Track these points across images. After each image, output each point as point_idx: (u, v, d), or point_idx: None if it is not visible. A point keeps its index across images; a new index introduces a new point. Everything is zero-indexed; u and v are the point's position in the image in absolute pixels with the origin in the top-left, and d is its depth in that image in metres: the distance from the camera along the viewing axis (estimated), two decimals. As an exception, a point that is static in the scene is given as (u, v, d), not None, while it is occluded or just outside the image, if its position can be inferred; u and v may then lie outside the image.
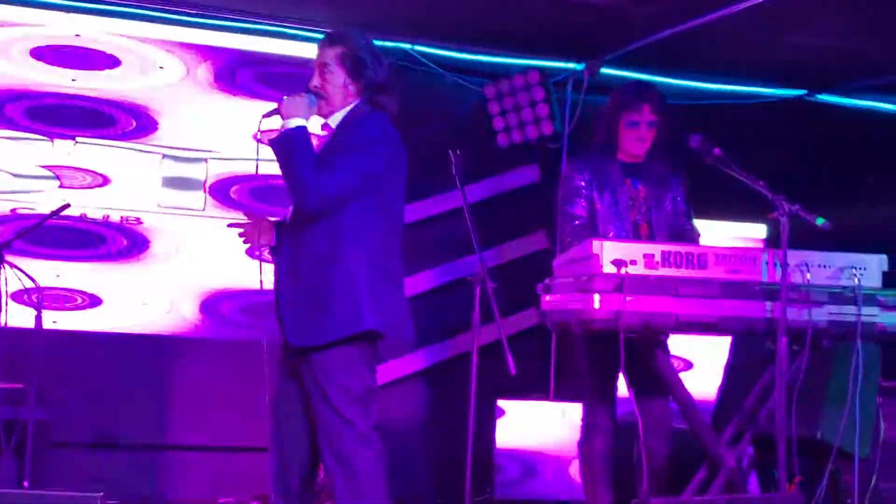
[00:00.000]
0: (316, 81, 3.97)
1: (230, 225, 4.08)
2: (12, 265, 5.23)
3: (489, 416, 5.89)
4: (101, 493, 3.78)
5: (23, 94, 6.29)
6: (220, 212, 6.53)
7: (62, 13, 6.34)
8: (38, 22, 6.33)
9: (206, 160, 6.59)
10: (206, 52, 6.62)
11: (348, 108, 3.97)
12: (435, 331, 6.91)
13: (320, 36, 4.28)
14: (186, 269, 6.50)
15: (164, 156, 6.53)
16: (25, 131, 6.32)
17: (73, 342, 6.16)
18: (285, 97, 3.86)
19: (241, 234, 4.03)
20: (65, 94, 6.36)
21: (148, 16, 6.48)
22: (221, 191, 6.63)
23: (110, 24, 6.44)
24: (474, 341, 4.68)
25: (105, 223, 6.38)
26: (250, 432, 6.40)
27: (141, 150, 6.48)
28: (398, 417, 6.91)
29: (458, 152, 4.92)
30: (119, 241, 6.43)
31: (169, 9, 6.49)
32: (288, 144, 3.78)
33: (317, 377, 3.79)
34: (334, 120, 3.98)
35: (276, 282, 3.89)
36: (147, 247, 6.48)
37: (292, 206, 3.88)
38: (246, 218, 4.06)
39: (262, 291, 3.97)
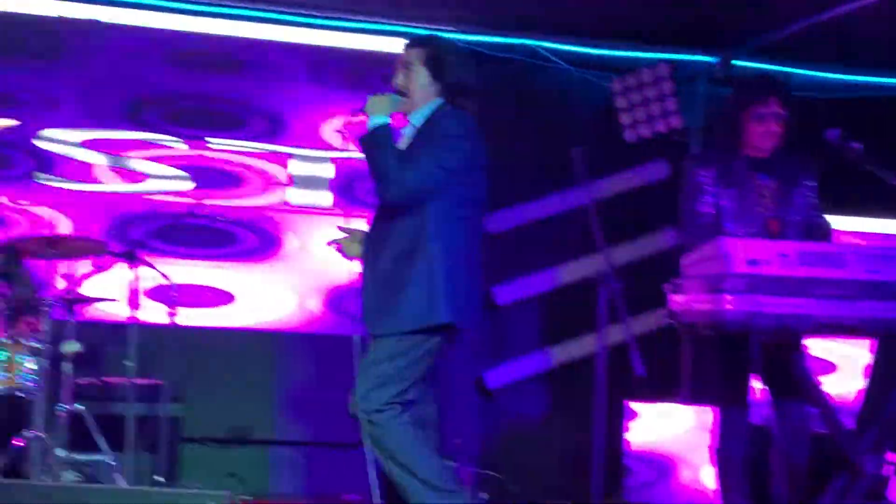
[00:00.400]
0: (400, 80, 4.07)
1: (329, 243, 4.22)
2: (148, 263, 5.36)
3: (618, 417, 5.79)
4: (229, 491, 3.81)
5: (160, 99, 6.46)
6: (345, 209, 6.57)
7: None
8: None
9: (331, 160, 6.67)
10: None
11: (430, 107, 4.06)
12: (561, 331, 6.85)
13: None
14: (314, 266, 6.57)
15: (292, 156, 6.62)
16: (161, 133, 6.48)
17: (205, 339, 6.29)
18: (370, 96, 4.00)
19: (338, 249, 4.17)
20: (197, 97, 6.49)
21: (275, 19, 6.57)
22: (347, 189, 6.69)
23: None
24: (600, 342, 4.59)
25: (237, 222, 6.49)
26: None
27: (271, 151, 6.58)
28: (526, 417, 6.89)
29: (583, 148, 4.84)
30: (250, 240, 6.54)
31: (285, 11, 6.57)
32: (372, 140, 3.93)
33: (384, 359, 3.88)
34: (416, 118, 4.08)
35: (361, 277, 4.03)
36: (277, 245, 6.58)
37: (378, 198, 3.99)
38: (342, 233, 4.19)
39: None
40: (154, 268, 5.35)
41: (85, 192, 6.37)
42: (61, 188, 6.33)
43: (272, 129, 6.59)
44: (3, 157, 6.27)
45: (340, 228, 4.20)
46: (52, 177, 6.34)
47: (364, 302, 3.96)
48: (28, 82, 6.31)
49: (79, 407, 5.27)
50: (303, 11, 6.62)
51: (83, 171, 6.39)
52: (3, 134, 6.26)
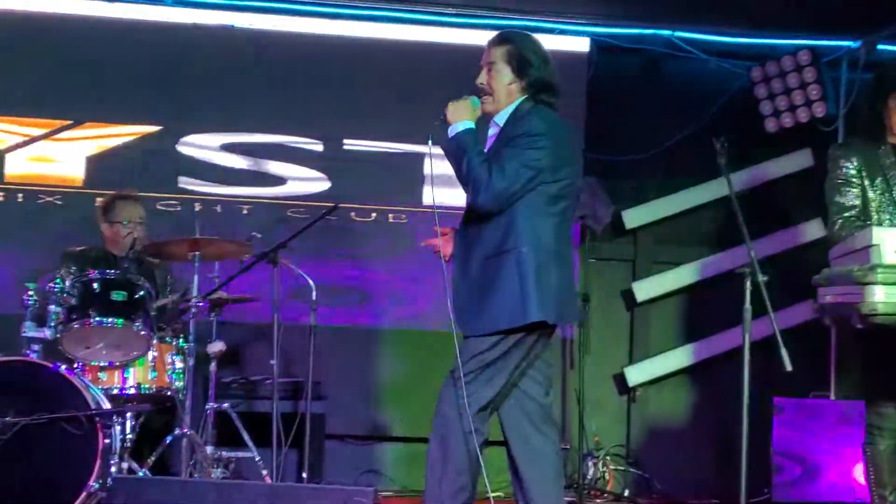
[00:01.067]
0: (482, 79, 4.06)
1: (424, 244, 4.23)
2: (288, 264, 5.44)
3: (765, 413, 5.64)
4: (374, 487, 3.84)
5: (296, 102, 6.56)
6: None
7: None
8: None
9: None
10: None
11: (514, 105, 4.05)
12: (704, 325, 6.73)
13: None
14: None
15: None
16: (298, 135, 6.59)
17: (346, 336, 6.36)
18: (450, 102, 3.99)
19: (433, 250, 4.16)
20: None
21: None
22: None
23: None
24: (745, 336, 4.47)
25: (371, 222, 6.55)
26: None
27: (403, 152, 6.62)
28: (670, 413, 6.79)
29: (722, 139, 4.72)
30: (383, 239, 6.59)
31: (401, 7, 6.62)
32: (457, 146, 3.93)
33: (473, 359, 3.92)
34: (501, 117, 4.06)
35: (451, 278, 4.02)
36: (409, 244, 6.61)
37: (467, 203, 3.98)
38: (439, 233, 4.18)
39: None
40: (294, 268, 5.42)
41: (226, 194, 6.51)
42: (203, 192, 6.48)
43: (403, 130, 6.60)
44: (147, 163, 6.44)
45: (435, 230, 4.18)
46: (194, 181, 6.50)
47: (456, 303, 3.98)
48: (167, 89, 6.47)
49: (225, 405, 5.38)
50: (432, 9, 6.64)
51: (224, 175, 6.52)
52: (146, 140, 6.45)
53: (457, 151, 3.93)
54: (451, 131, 3.97)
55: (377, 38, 6.64)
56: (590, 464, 6.46)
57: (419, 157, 6.55)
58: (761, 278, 4.42)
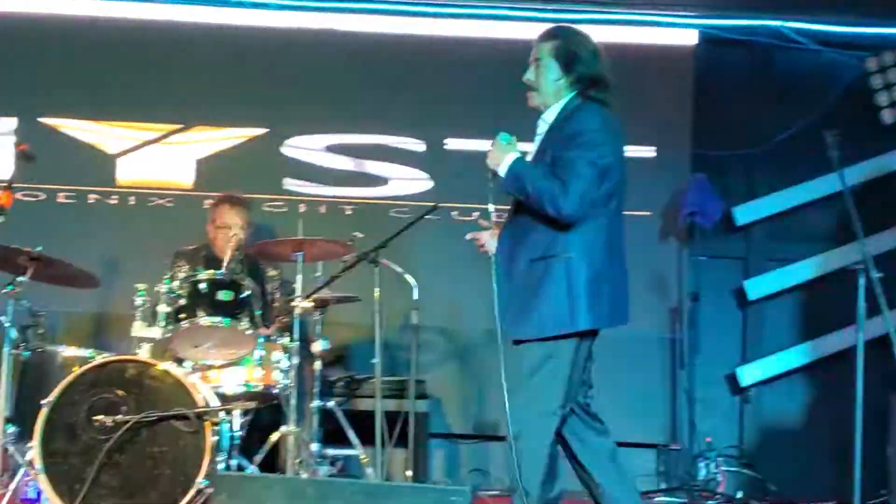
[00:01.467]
0: (530, 75, 3.98)
1: (469, 236, 4.18)
2: (389, 264, 5.44)
3: (882, 413, 5.46)
4: (470, 487, 3.81)
5: (397, 101, 6.59)
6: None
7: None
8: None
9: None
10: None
11: (563, 102, 3.95)
12: (820, 323, 6.55)
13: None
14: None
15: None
16: (401, 136, 6.62)
17: (448, 336, 6.36)
18: (489, 154, 3.93)
19: (479, 244, 4.11)
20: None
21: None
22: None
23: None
24: (860, 335, 4.34)
25: (472, 222, 6.52)
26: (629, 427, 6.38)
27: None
28: (783, 414, 6.62)
29: (833, 133, 4.59)
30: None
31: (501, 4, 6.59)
32: (515, 178, 3.86)
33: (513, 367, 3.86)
34: (550, 114, 3.97)
35: (496, 279, 3.94)
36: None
37: (512, 204, 3.92)
38: (482, 227, 4.13)
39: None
40: (396, 268, 5.42)
41: (330, 195, 6.56)
42: (308, 193, 6.54)
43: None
44: (253, 165, 6.53)
45: (481, 223, 4.12)
46: (299, 182, 6.57)
47: (500, 303, 3.89)
48: (273, 92, 6.55)
49: (330, 403, 5.42)
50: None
51: (328, 176, 6.58)
52: (253, 143, 6.54)
53: (516, 183, 3.87)
54: (503, 171, 3.90)
55: (476, 36, 6.64)
56: (701, 465, 6.34)
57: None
58: (875, 275, 4.28)
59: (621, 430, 6.34)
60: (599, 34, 6.41)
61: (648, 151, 6.61)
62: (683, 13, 6.61)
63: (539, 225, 3.85)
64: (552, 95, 3.95)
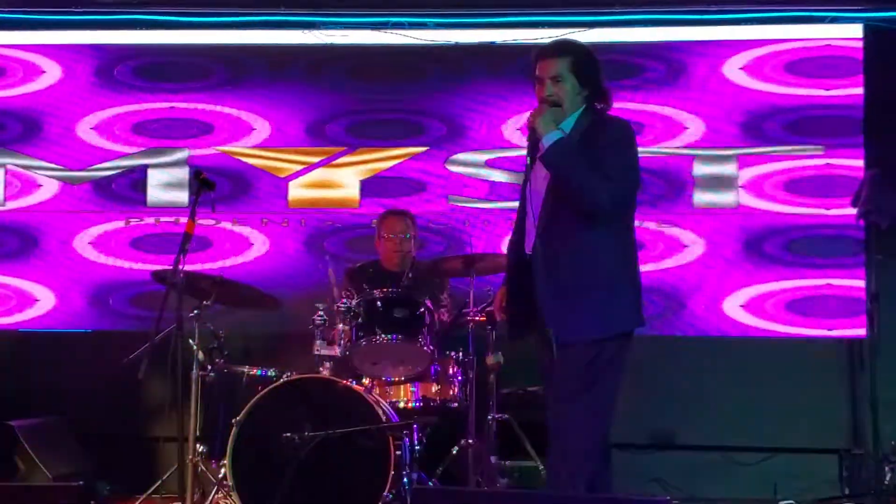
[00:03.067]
0: (550, 91, 3.99)
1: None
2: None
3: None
4: (668, 497, 3.78)
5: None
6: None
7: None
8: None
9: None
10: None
11: (577, 113, 3.99)
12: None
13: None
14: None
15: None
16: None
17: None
18: (534, 117, 3.93)
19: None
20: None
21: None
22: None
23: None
24: None
25: (647, 228, 6.50)
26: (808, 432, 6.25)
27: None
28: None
29: None
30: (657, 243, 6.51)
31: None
32: (562, 157, 3.89)
33: (578, 370, 3.83)
34: (566, 126, 3.97)
35: (536, 277, 3.90)
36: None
37: (586, 211, 3.86)
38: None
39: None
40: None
41: (493, 209, 6.60)
42: (471, 207, 6.60)
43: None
44: (417, 182, 6.64)
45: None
46: (463, 198, 6.63)
47: (542, 307, 3.87)
48: (434, 109, 6.66)
49: (506, 415, 5.44)
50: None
51: (490, 190, 6.63)
52: (415, 161, 6.64)
53: (561, 158, 3.88)
54: (547, 141, 3.90)
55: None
56: (887, 469, 6.13)
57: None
58: None
59: (802, 435, 6.28)
60: (763, 32, 6.47)
61: (817, 149, 6.47)
62: (847, 7, 6.44)
63: (579, 226, 3.88)
64: (570, 108, 4.01)
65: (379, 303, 5.17)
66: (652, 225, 6.50)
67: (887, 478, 6.12)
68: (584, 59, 4.03)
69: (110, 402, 6.36)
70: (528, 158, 4.01)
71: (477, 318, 5.33)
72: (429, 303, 5.28)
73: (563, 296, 3.86)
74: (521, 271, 3.99)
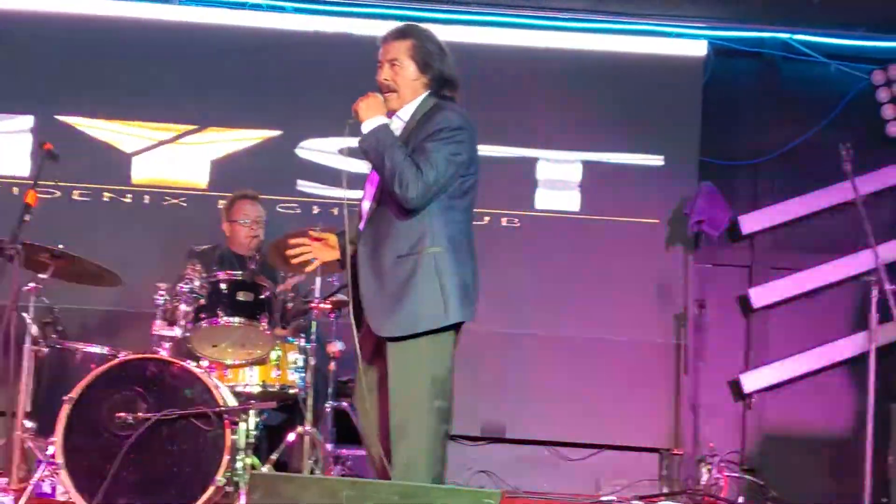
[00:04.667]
0: (386, 75, 3.90)
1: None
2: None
3: (883, 422, 5.54)
4: (501, 490, 3.87)
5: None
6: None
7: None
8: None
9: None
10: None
11: (418, 101, 3.90)
12: (820, 333, 6.64)
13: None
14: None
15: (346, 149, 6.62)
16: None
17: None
18: (360, 100, 3.85)
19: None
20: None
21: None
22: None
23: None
24: (872, 346, 4.43)
25: (484, 226, 6.61)
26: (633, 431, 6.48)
27: (517, 157, 6.63)
28: (787, 420, 6.70)
29: (848, 145, 4.68)
30: (495, 244, 6.63)
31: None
32: (378, 143, 3.79)
33: (399, 365, 3.77)
34: (405, 113, 3.90)
35: (359, 278, 3.83)
36: (519, 248, 6.63)
37: (397, 199, 3.76)
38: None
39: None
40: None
41: (343, 197, 6.59)
42: (321, 195, 6.60)
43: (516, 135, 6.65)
44: (267, 166, 6.61)
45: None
46: (312, 184, 6.63)
47: (365, 303, 3.81)
48: (288, 94, 6.63)
49: (344, 403, 5.48)
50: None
51: (341, 178, 6.61)
52: (267, 145, 6.60)
53: (377, 147, 3.77)
54: (367, 127, 3.81)
55: (488, 42, 6.71)
56: (703, 470, 6.41)
57: (532, 162, 6.62)
58: (888, 287, 4.37)
59: (625, 434, 6.50)
60: (609, 44, 6.66)
61: (656, 160, 6.71)
62: (693, 24, 6.69)
63: (403, 220, 3.80)
64: (409, 95, 3.91)
65: (223, 285, 5.12)
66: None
67: (703, 478, 6.41)
68: (425, 45, 3.90)
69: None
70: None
71: (321, 306, 5.35)
72: (273, 287, 5.26)
73: (388, 291, 3.79)
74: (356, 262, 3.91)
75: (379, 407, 3.86)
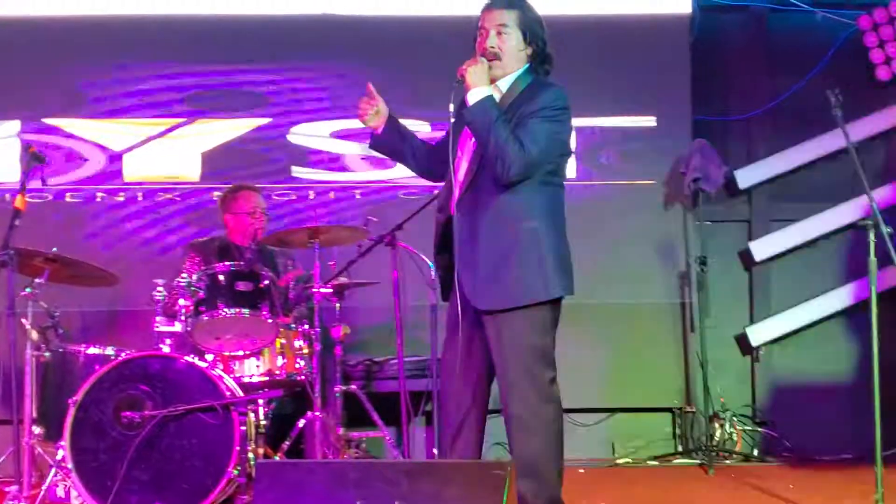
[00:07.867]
0: (493, 42, 3.86)
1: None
2: (404, 246, 5.48)
3: (894, 365, 5.51)
4: (510, 460, 3.85)
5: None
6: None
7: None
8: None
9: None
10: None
11: (518, 73, 3.89)
12: (826, 280, 6.63)
13: None
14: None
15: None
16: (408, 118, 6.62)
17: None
18: (467, 66, 3.80)
19: (361, 107, 4.13)
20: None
21: None
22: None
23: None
24: (872, 288, 4.40)
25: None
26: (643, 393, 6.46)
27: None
28: (796, 370, 6.70)
29: (836, 91, 4.64)
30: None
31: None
32: (484, 115, 3.75)
33: (504, 337, 3.79)
34: (504, 83, 3.89)
35: (454, 247, 3.83)
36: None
37: (496, 174, 3.76)
38: (371, 96, 4.15)
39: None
40: (412, 251, 5.45)
41: (338, 181, 6.60)
42: (316, 179, 6.58)
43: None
44: (259, 154, 6.57)
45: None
46: (306, 169, 6.60)
47: (463, 276, 3.81)
48: (274, 80, 6.59)
49: (352, 387, 5.47)
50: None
51: (335, 161, 6.61)
52: (257, 133, 6.57)
53: (483, 119, 3.73)
54: (472, 97, 3.76)
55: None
56: (716, 425, 6.42)
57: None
58: (886, 230, 4.34)
59: (637, 395, 6.50)
60: (594, 6, 6.60)
61: (649, 121, 6.66)
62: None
63: (503, 193, 3.79)
64: (513, 65, 3.89)
65: (221, 276, 5.09)
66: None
67: (717, 434, 6.42)
68: (531, 17, 3.88)
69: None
70: (454, 111, 3.84)
71: (323, 290, 5.33)
72: (272, 275, 5.23)
73: (480, 261, 3.78)
74: (447, 229, 3.89)
75: (463, 374, 3.90)
